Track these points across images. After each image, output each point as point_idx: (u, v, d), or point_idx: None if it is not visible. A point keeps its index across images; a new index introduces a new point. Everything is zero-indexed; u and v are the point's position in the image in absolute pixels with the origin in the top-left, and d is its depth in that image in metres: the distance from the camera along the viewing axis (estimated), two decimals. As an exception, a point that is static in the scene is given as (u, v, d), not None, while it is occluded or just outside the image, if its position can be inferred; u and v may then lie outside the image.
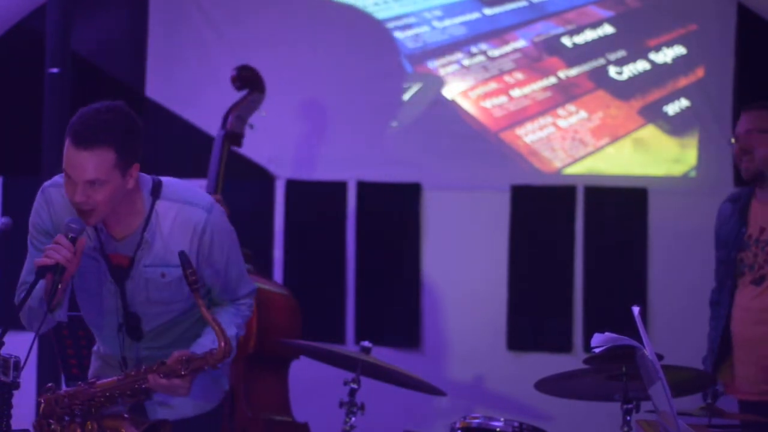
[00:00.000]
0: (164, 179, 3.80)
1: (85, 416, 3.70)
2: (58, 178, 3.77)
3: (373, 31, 7.18)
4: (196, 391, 3.78)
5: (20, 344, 3.79)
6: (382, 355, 5.22)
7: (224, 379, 3.98)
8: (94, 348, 4.04)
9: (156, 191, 3.74)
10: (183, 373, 3.63)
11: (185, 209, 3.73)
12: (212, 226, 3.75)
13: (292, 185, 7.16)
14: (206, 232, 3.74)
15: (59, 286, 3.59)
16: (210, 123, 7.02)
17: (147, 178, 3.76)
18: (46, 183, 3.83)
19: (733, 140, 5.15)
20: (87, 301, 3.88)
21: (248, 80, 6.19)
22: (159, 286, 3.75)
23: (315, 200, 7.15)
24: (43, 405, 3.75)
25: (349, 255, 7.08)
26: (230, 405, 5.51)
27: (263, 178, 7.12)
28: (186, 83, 7.15)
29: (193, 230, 3.73)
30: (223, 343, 3.62)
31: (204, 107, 7.09)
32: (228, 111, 6.12)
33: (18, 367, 3.55)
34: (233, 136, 6.09)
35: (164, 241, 3.70)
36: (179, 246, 3.67)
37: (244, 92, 6.17)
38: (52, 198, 3.77)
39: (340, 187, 7.10)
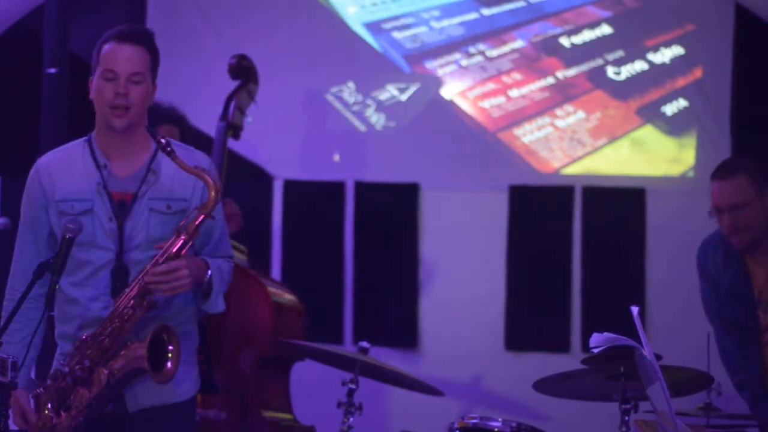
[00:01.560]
0: None
1: (89, 374, 3.73)
2: (49, 152, 4.01)
3: (372, 32, 7.18)
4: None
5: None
6: (380, 356, 5.23)
7: (196, 372, 4.01)
8: (58, 352, 3.95)
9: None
10: (182, 237, 3.73)
11: (191, 152, 3.95)
12: (214, 172, 3.92)
13: (290, 185, 7.15)
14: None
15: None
16: (209, 122, 7.00)
17: None
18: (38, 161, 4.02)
19: (710, 213, 4.66)
20: (77, 259, 3.85)
21: (247, 70, 6.08)
22: (163, 220, 3.85)
23: (313, 200, 7.15)
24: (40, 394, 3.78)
25: (347, 255, 7.07)
26: (242, 405, 5.50)
27: (261, 178, 7.12)
28: (184, 82, 7.13)
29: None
30: (213, 190, 3.75)
31: (202, 106, 7.07)
32: (227, 101, 5.99)
33: (16, 367, 3.55)
34: (235, 128, 6.01)
35: (171, 173, 3.85)
36: (185, 183, 3.85)
37: (238, 82, 6.06)
38: (45, 162, 3.98)
39: (338, 187, 7.10)
